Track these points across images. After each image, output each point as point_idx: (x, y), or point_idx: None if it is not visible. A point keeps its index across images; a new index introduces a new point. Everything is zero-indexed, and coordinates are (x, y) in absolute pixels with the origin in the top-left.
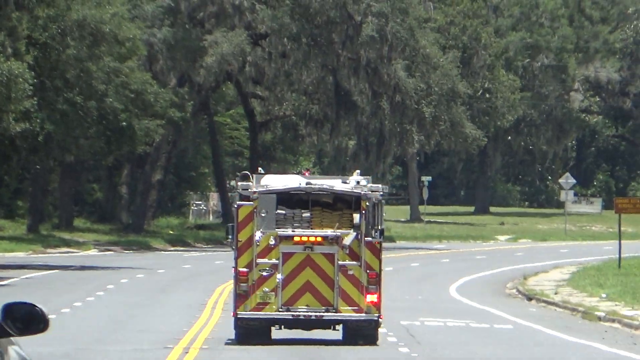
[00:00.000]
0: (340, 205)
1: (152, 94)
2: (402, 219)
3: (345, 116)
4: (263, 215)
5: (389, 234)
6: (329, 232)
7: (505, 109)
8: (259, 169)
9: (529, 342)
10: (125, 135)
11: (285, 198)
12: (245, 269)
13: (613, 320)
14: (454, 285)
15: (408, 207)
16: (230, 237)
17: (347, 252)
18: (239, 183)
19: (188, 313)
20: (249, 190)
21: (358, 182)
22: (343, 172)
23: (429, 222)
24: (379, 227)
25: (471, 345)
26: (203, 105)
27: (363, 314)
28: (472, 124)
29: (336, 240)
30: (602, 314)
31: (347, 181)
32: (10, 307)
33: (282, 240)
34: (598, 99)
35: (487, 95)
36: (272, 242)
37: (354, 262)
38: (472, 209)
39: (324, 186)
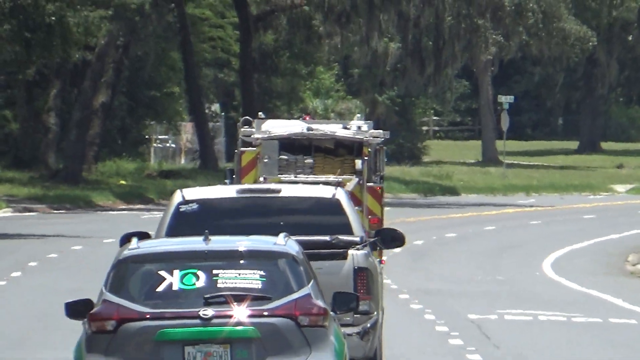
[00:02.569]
0: (342, 151)
1: None
2: (471, 161)
3: (384, 6)
4: (266, 161)
5: (451, 182)
6: (331, 177)
7: None
8: (260, 113)
9: None
10: (54, 34)
11: (287, 144)
12: None
13: None
14: (549, 259)
15: (479, 142)
16: (227, 181)
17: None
18: (241, 129)
19: None
20: (252, 136)
21: (359, 128)
22: (380, 88)
23: (510, 165)
24: (380, 173)
25: (575, 350)
26: None
27: None
28: (574, 18)
29: (339, 186)
30: None
31: (348, 126)
32: (380, 231)
33: None
34: None
35: None
36: None
37: (357, 207)
38: (575, 145)
39: (327, 132)
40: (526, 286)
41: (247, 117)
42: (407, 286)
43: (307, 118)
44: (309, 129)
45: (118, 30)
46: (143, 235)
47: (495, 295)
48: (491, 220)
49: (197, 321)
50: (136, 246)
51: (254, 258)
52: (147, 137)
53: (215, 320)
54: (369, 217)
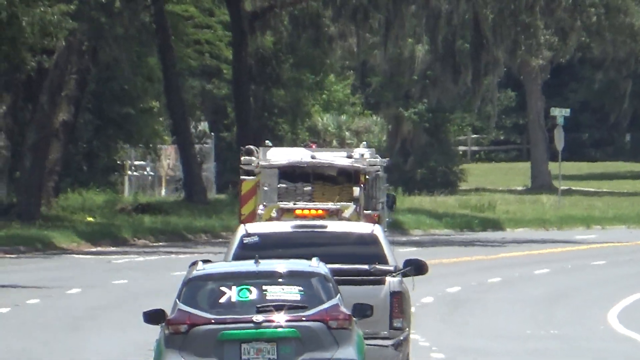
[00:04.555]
0: (342, 179)
1: None
2: (518, 188)
3: (409, 0)
4: (265, 189)
5: (494, 214)
6: (329, 204)
7: None
8: (266, 141)
9: None
10: (4, 35)
11: (288, 172)
12: None
13: None
14: (615, 308)
15: (528, 165)
16: None
17: None
18: (242, 158)
19: None
20: (252, 165)
21: (362, 155)
22: (405, 101)
23: (566, 192)
24: (379, 200)
25: None
26: None
27: None
28: None
29: (336, 212)
30: None
31: (352, 154)
32: (409, 260)
33: (284, 212)
34: None
35: None
36: (274, 214)
37: None
38: None
39: (325, 160)
40: (587, 342)
41: (249, 146)
42: (440, 343)
43: (314, 146)
44: (312, 157)
45: (83, 32)
46: (207, 262)
47: (548, 354)
48: (543, 260)
49: (251, 325)
50: (202, 268)
51: (294, 277)
52: (119, 163)
53: (264, 324)
54: None
